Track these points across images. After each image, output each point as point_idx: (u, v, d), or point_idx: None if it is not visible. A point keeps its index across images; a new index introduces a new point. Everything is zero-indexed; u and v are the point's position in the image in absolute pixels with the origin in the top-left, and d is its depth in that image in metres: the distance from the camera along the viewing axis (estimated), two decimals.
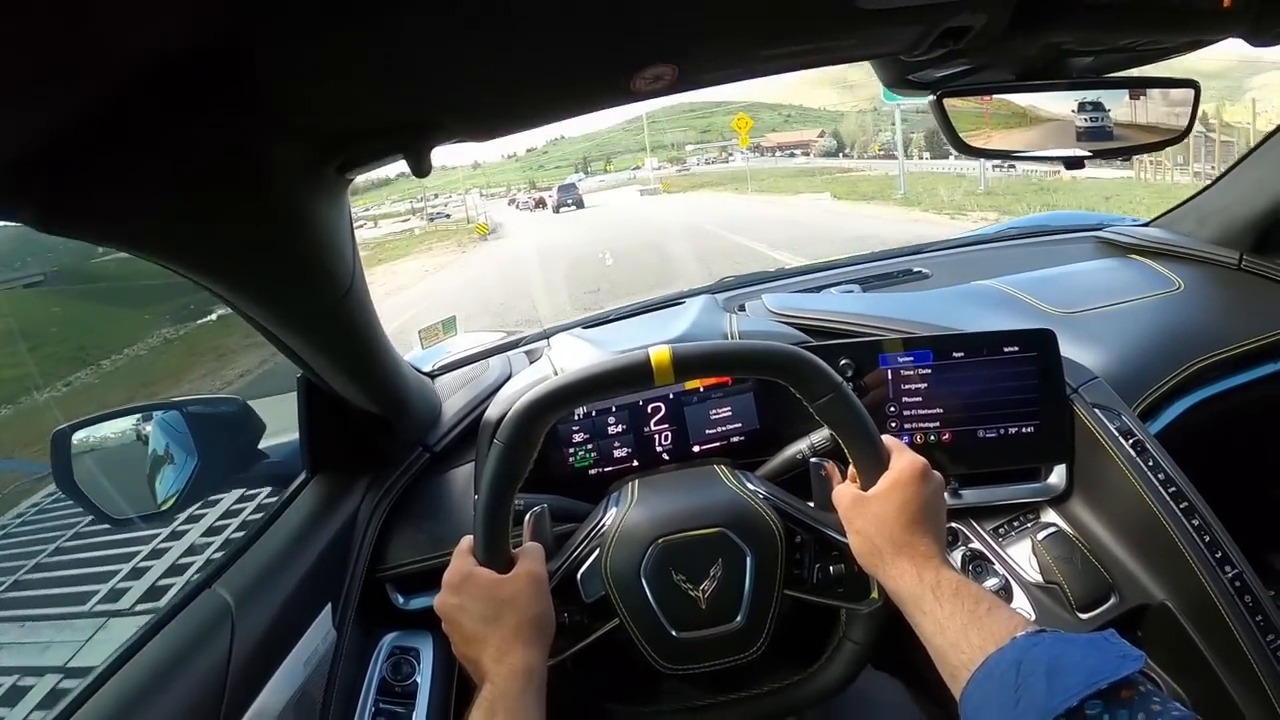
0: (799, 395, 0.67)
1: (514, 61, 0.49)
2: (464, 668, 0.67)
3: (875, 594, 0.71)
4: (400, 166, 0.58)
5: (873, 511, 0.65)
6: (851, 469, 0.70)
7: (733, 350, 0.71)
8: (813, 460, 0.77)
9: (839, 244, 9.86)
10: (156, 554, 1.61)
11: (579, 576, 0.73)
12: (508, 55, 0.48)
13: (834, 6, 0.50)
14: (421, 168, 0.54)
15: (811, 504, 0.77)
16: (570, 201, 24.46)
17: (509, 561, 0.67)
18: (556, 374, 0.98)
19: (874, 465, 0.67)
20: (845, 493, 0.69)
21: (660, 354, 0.65)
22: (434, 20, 0.42)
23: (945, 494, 0.91)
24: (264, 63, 0.41)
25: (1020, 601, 0.89)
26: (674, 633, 0.71)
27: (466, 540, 0.69)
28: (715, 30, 0.52)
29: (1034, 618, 0.86)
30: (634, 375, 0.65)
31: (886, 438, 0.69)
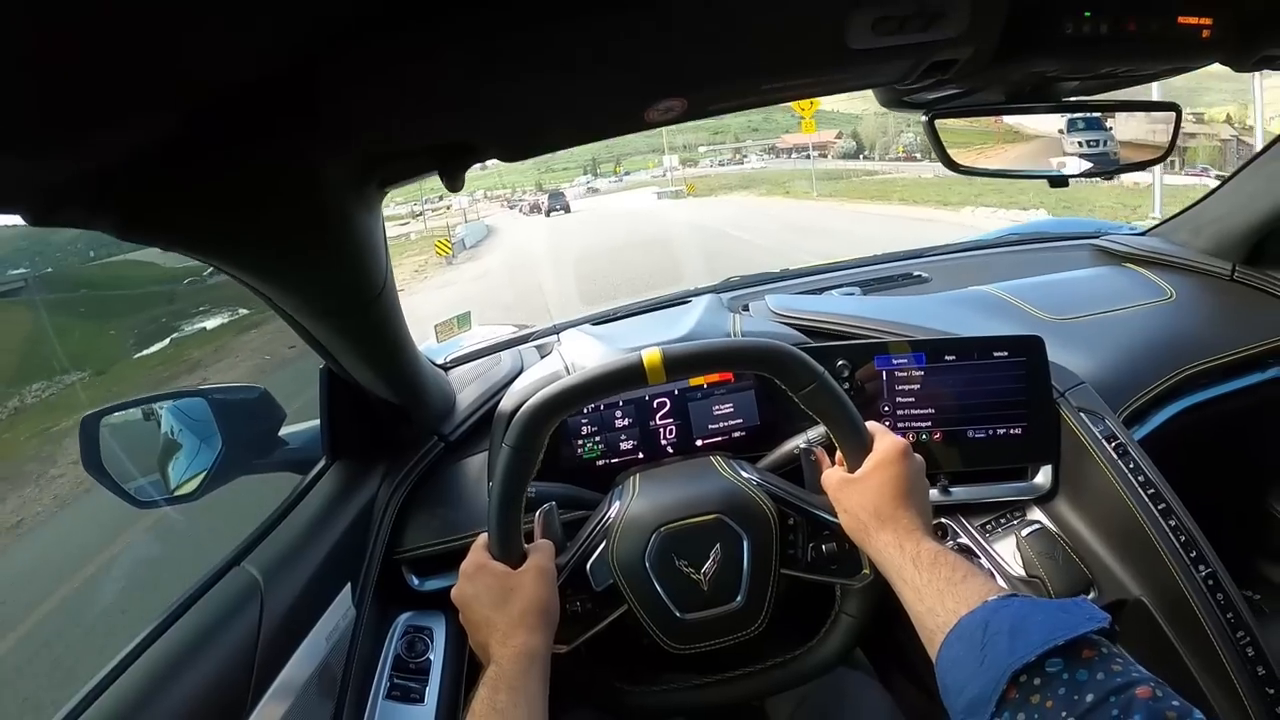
0: (785, 387, 0.72)
1: (546, 95, 0.54)
2: (474, 652, 0.72)
3: (867, 569, 0.75)
4: None
5: (859, 490, 0.71)
6: (839, 454, 0.75)
7: (719, 348, 0.76)
8: (802, 447, 0.82)
9: None
10: None
11: (588, 567, 0.78)
12: (541, 89, 0.53)
13: (827, 47, 0.55)
14: (455, 184, 0.61)
15: (803, 488, 0.82)
16: (559, 207, 28.40)
17: (521, 556, 0.73)
18: (567, 368, 1.03)
19: (858, 448, 0.72)
20: (834, 475, 0.74)
21: (652, 355, 0.71)
22: (478, 61, 0.48)
23: (936, 491, 0.95)
24: (323, 92, 0.46)
25: None
26: (679, 614, 0.76)
27: (484, 537, 0.75)
28: (721, 68, 0.57)
29: None
30: (629, 376, 0.72)
31: (869, 423, 0.74)
